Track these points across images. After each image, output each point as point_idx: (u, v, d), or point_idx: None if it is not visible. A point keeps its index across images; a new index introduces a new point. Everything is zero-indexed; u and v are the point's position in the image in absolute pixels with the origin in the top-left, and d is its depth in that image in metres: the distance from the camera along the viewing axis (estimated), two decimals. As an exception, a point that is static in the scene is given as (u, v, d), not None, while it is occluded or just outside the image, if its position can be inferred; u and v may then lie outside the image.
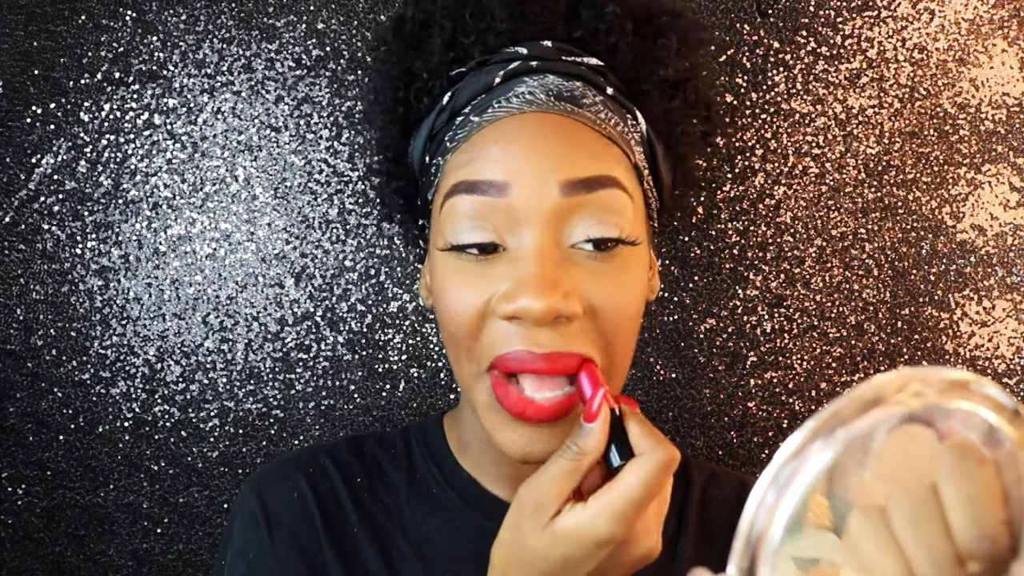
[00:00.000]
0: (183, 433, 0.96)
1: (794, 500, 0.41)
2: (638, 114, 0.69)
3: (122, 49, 0.94)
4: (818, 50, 0.97)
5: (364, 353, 0.96)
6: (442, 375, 0.97)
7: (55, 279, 0.95)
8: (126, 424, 0.95)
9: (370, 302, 0.96)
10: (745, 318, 0.97)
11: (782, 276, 0.98)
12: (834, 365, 0.98)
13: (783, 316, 0.98)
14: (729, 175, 0.97)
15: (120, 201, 0.95)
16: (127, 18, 0.95)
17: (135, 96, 0.95)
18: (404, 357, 0.97)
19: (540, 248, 0.62)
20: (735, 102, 0.97)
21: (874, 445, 0.41)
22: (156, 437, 0.95)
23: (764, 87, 0.97)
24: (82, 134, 0.94)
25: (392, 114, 0.72)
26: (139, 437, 0.95)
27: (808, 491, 0.41)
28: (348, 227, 0.96)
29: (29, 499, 0.95)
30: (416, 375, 0.97)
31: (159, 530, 0.96)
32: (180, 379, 0.96)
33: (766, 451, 0.98)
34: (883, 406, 0.41)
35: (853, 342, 0.97)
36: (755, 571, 0.40)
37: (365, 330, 0.96)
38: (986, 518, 0.42)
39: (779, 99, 0.97)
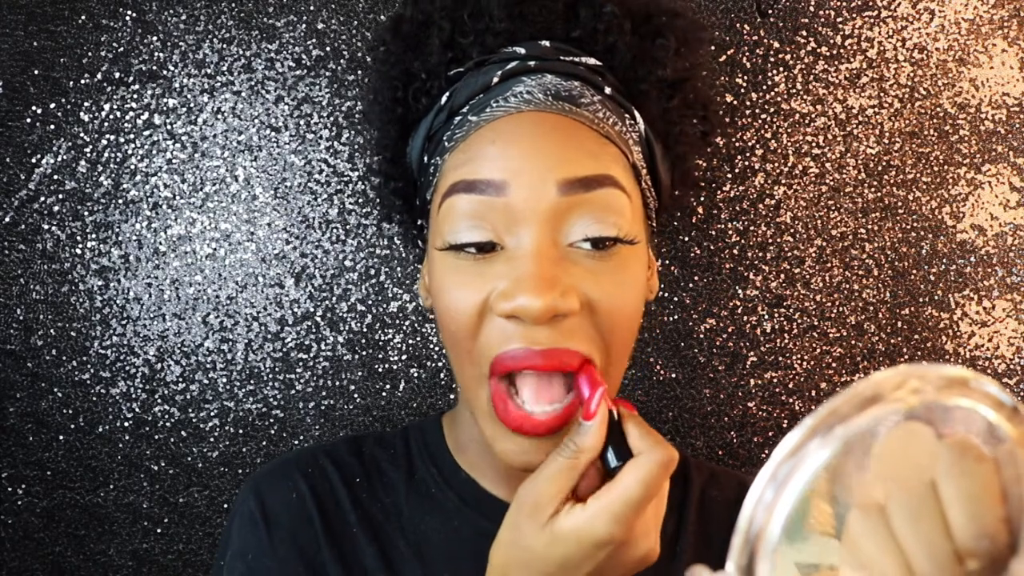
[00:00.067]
0: (183, 433, 0.96)
1: (792, 498, 0.40)
2: (636, 114, 0.69)
3: (122, 49, 0.95)
4: (818, 50, 0.97)
5: (364, 353, 0.96)
6: (442, 375, 0.97)
7: (55, 279, 0.95)
8: (126, 424, 0.95)
9: (370, 302, 0.96)
10: (745, 318, 0.97)
11: (782, 276, 0.97)
12: (834, 365, 0.98)
13: (783, 316, 0.97)
14: (729, 175, 0.97)
15: (120, 201, 0.95)
16: (127, 18, 0.95)
17: (135, 96, 0.95)
18: (404, 357, 0.97)
19: (538, 247, 0.62)
20: (735, 102, 0.97)
21: (873, 443, 0.41)
22: (156, 437, 0.95)
23: (764, 87, 0.97)
24: (82, 134, 0.94)
25: (390, 114, 0.72)
26: (139, 437, 0.95)
27: (808, 492, 0.41)
28: (348, 227, 0.96)
29: (29, 499, 0.95)
30: (416, 375, 0.97)
31: (159, 530, 0.96)
32: (180, 379, 0.96)
33: (766, 451, 0.98)
34: (882, 403, 0.41)
35: (853, 342, 0.97)
36: (753, 568, 0.40)
37: (365, 330, 0.96)
38: (985, 516, 0.42)
39: (779, 99, 0.97)
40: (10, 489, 0.95)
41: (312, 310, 0.96)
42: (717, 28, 0.96)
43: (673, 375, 0.98)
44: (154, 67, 0.95)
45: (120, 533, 0.95)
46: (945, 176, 0.97)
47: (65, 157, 0.94)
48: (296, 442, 0.96)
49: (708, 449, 0.98)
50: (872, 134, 0.97)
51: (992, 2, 0.97)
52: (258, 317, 0.96)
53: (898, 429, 0.41)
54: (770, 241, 0.97)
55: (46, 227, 0.95)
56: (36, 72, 0.94)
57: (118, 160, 0.95)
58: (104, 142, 0.95)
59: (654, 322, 0.97)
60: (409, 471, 0.77)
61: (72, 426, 0.95)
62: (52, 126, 0.94)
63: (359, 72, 0.95)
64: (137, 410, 0.95)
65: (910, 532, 0.42)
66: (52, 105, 0.94)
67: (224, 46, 0.95)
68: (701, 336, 0.98)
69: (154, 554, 0.96)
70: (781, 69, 0.97)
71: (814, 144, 0.97)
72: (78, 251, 0.95)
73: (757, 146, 0.97)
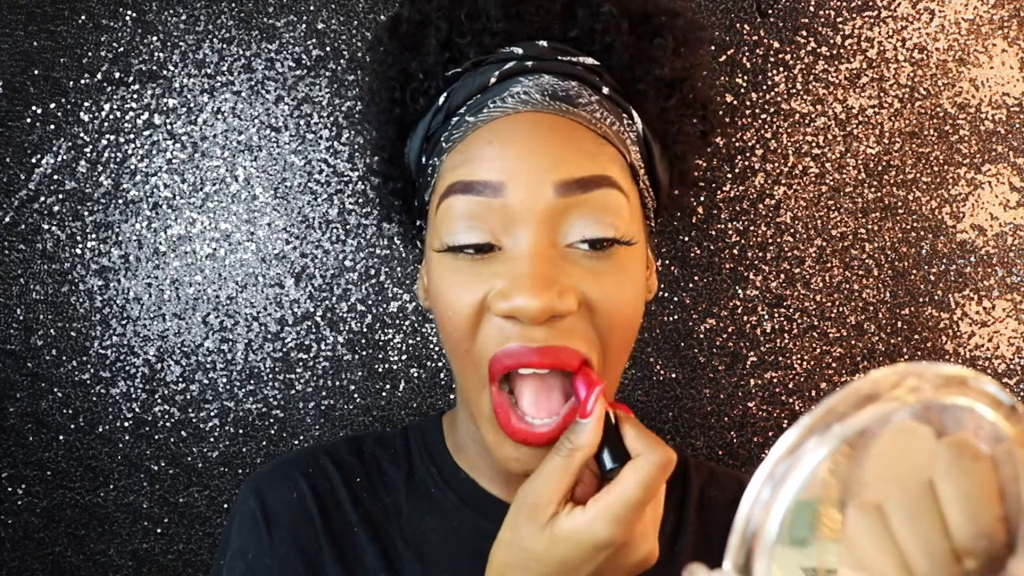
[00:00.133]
0: (183, 433, 0.96)
1: (789, 496, 0.40)
2: (634, 114, 0.69)
3: (122, 49, 0.95)
4: (818, 50, 0.97)
5: (364, 353, 0.96)
6: (442, 375, 0.97)
7: (55, 279, 0.95)
8: (126, 424, 0.95)
9: (370, 302, 0.96)
10: (745, 318, 0.97)
11: (782, 276, 0.97)
12: (834, 365, 0.98)
13: (783, 316, 0.97)
14: (729, 175, 0.97)
15: (120, 201, 0.95)
16: (127, 18, 0.95)
17: (135, 96, 0.95)
18: (404, 357, 0.97)
19: (535, 247, 0.62)
20: (735, 102, 0.97)
21: (870, 442, 0.41)
22: (156, 437, 0.96)
23: (764, 87, 0.97)
24: (82, 134, 0.95)
25: (388, 115, 0.72)
26: (139, 437, 0.95)
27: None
28: (348, 227, 0.96)
29: (29, 499, 0.95)
30: (416, 375, 0.97)
31: (159, 530, 0.96)
32: (180, 379, 0.96)
33: (766, 451, 0.98)
34: (879, 402, 0.41)
35: (853, 342, 0.97)
36: (751, 567, 0.40)
37: (365, 330, 0.96)
38: (983, 515, 0.42)
39: (779, 99, 0.97)
40: (10, 489, 0.95)
41: (312, 310, 0.96)
42: (717, 28, 0.96)
43: (673, 375, 0.98)
44: (154, 67, 0.95)
45: (120, 533, 0.96)
46: (945, 176, 0.97)
47: (65, 157, 0.95)
48: (296, 442, 0.96)
49: (708, 449, 0.98)
50: (872, 134, 0.97)
51: (992, 2, 0.96)
52: (258, 317, 0.96)
53: (896, 428, 0.41)
54: (770, 241, 0.97)
55: (46, 227, 0.95)
56: (36, 72, 0.94)
57: (118, 160, 0.95)
58: (104, 142, 0.95)
59: (654, 322, 0.97)
60: (409, 471, 0.77)
61: (72, 426, 0.95)
62: (52, 126, 0.94)
63: (359, 72, 0.95)
64: (137, 410, 0.95)
65: (908, 531, 0.42)
66: (52, 105, 0.94)
67: (224, 46, 0.95)
68: (701, 336, 0.97)
69: (154, 554, 0.96)
70: (781, 69, 0.97)
71: (814, 144, 0.97)
72: (78, 251, 0.95)
73: (757, 146, 0.97)
